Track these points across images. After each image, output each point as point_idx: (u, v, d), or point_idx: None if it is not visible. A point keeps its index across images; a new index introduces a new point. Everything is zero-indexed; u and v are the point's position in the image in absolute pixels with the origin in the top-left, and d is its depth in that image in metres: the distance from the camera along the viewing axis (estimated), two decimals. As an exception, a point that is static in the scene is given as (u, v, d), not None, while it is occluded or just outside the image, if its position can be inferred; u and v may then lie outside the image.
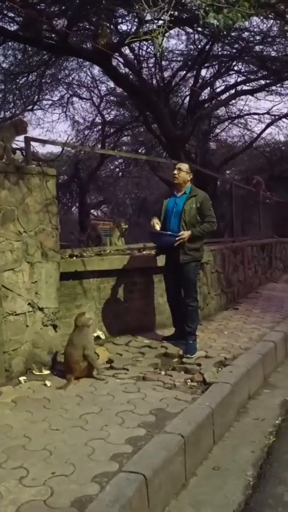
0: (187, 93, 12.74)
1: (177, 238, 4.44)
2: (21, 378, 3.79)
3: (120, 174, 21.06)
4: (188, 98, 13.19)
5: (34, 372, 3.95)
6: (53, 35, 7.39)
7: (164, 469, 2.52)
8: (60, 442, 2.77)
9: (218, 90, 12.36)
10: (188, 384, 3.80)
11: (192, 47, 10.74)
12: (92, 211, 24.32)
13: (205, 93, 12.52)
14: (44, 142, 5.29)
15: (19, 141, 4.41)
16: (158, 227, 4.60)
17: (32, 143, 4.57)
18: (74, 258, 4.98)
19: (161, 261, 5.18)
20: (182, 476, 2.71)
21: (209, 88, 12.38)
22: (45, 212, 4.18)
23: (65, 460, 2.56)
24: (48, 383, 3.72)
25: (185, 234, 4.47)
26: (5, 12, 6.66)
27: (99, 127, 17.14)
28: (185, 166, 4.65)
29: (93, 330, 4.26)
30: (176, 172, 4.64)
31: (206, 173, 9.17)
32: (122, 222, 8.59)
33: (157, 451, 2.62)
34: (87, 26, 7.26)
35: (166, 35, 5.31)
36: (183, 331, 4.61)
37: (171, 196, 4.73)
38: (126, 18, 7.60)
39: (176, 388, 3.66)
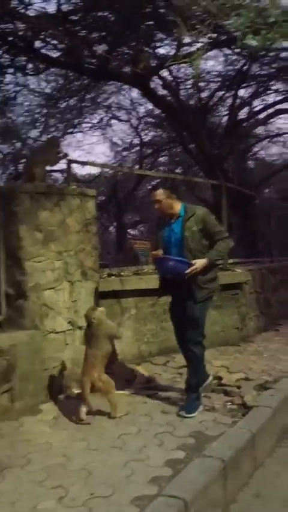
0: (225, 112, 12.81)
1: (191, 268, 3.47)
2: (61, 396, 3.82)
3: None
4: (225, 118, 13.27)
5: (74, 389, 3.98)
6: (93, 61, 7.64)
7: (204, 494, 2.47)
8: (99, 462, 2.77)
9: (256, 109, 12.37)
10: (227, 406, 3.73)
11: (230, 67, 10.83)
12: (129, 230, 24.64)
13: (243, 113, 12.56)
14: (84, 164, 5.47)
15: (61, 163, 4.55)
16: (159, 252, 3.75)
17: (72, 165, 4.71)
18: (112, 277, 5.03)
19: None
20: (221, 502, 2.64)
21: (247, 107, 12.40)
22: (85, 232, 4.27)
23: (104, 480, 2.55)
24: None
25: (200, 262, 3.50)
26: (48, 39, 6.95)
27: (137, 148, 17.44)
28: (159, 193, 3.69)
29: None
30: (156, 206, 3.76)
31: (244, 192, 9.12)
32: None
33: (197, 475, 2.57)
34: (126, 51, 7.47)
35: (204, 56, 5.41)
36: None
37: (166, 224, 3.79)
38: (165, 41, 7.76)
39: (215, 411, 3.60)
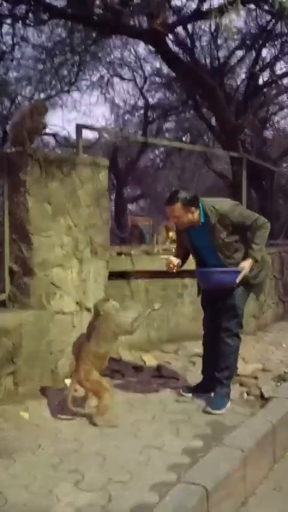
0: (244, 76, 12.83)
1: (241, 276, 3.56)
2: (67, 380, 4.02)
3: (160, 164, 21.25)
4: (242, 82, 13.24)
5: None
6: (103, 13, 7.65)
7: (225, 484, 2.69)
8: (114, 448, 2.99)
9: (279, 73, 12.39)
10: (245, 397, 3.96)
11: (252, 24, 10.83)
12: (128, 205, 24.67)
13: (264, 77, 12.59)
14: (96, 129, 5.52)
15: (54, 126, 4.58)
16: (175, 263, 3.78)
17: (67, 128, 4.82)
18: (122, 256, 5.20)
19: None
20: (241, 494, 2.86)
21: (268, 70, 12.41)
22: (96, 206, 4.43)
23: (120, 466, 2.77)
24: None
25: (247, 267, 3.58)
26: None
27: (141, 111, 17.41)
28: (177, 209, 3.56)
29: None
30: (172, 221, 3.77)
31: (264, 166, 9.24)
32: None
33: (217, 464, 2.79)
34: (142, 3, 7.48)
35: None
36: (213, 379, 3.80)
37: (188, 229, 3.75)
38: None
39: (232, 401, 3.81)
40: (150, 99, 16.81)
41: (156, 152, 21.19)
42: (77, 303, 4.27)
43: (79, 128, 4.72)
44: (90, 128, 5.26)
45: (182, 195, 3.59)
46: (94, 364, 3.43)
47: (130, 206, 26.11)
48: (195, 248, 3.80)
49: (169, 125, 19.22)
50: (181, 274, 5.47)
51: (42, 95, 14.77)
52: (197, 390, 3.96)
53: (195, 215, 3.61)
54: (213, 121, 13.23)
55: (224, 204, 3.69)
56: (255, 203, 9.42)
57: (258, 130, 13.12)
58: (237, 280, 3.58)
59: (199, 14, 6.65)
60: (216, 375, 3.75)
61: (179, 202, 3.56)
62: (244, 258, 3.63)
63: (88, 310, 4.36)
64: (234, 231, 3.62)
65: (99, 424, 3.31)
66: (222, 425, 3.34)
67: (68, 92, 15.47)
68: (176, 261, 3.80)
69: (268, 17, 9.97)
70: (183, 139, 17.78)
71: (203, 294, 3.98)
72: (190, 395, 3.92)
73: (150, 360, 4.81)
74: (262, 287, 3.93)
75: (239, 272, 3.57)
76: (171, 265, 3.80)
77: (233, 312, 3.73)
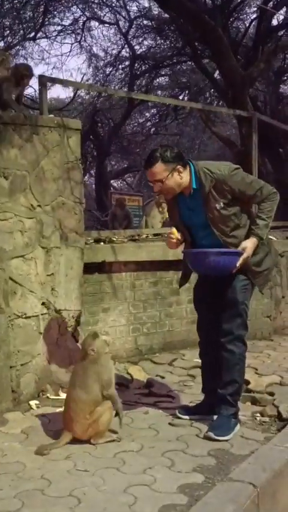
0: (254, 16, 12.78)
1: (242, 259, 3.50)
2: (33, 402, 3.96)
3: (152, 130, 21.20)
4: (251, 23, 13.17)
5: (49, 395, 4.13)
6: None
7: (232, 529, 2.64)
8: (91, 486, 2.92)
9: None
10: (258, 419, 3.92)
11: None
12: (112, 181, 24.67)
13: (279, 17, 12.52)
14: (65, 83, 5.45)
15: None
16: (179, 236, 3.67)
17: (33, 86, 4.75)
18: (102, 243, 5.13)
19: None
20: (253, 540, 2.82)
21: (284, 8, 12.36)
22: (65, 180, 4.36)
23: (99, 510, 2.71)
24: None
25: (249, 247, 3.52)
26: None
27: (127, 63, 17.30)
28: (159, 169, 3.50)
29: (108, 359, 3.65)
30: (156, 187, 3.61)
31: (278, 128, 9.20)
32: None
33: (222, 504, 2.73)
34: None
35: None
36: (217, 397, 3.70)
37: (177, 200, 3.71)
38: None
39: (242, 424, 3.76)
40: (137, 48, 16.73)
41: (147, 115, 21.17)
42: (44, 303, 4.20)
43: (43, 80, 4.64)
44: (59, 81, 5.14)
45: (162, 150, 3.53)
46: (87, 411, 3.42)
47: (114, 182, 26.19)
48: (187, 225, 3.72)
49: (162, 80, 19.17)
50: (177, 266, 5.46)
51: (1, 44, 14.62)
52: (197, 411, 3.88)
53: (183, 176, 3.54)
54: (216, 74, 13.19)
55: (221, 166, 3.58)
56: (269, 175, 9.39)
57: (272, 83, 13.08)
58: (238, 264, 3.49)
59: None
60: (220, 392, 3.65)
61: (160, 160, 3.50)
62: (247, 237, 3.57)
63: (58, 312, 4.30)
64: (234, 202, 3.55)
65: (100, 442, 3.44)
66: (229, 455, 3.29)
67: (34, 39, 15.34)
68: (178, 233, 3.66)
69: None
70: (181, 97, 17.72)
71: (198, 287, 3.90)
72: (188, 417, 3.86)
73: (138, 374, 4.76)
74: (267, 278, 3.79)
75: (240, 254, 3.50)
76: (174, 239, 3.66)
77: (235, 310, 3.62)
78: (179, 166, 3.51)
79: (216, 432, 3.52)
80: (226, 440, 3.49)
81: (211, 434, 3.51)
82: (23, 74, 4.26)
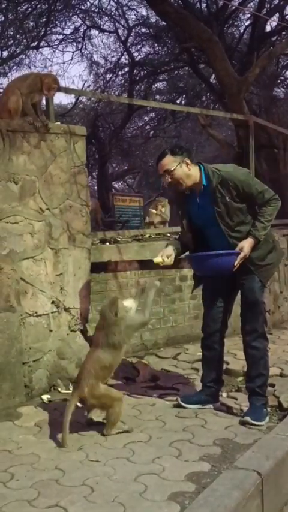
0: (248, 22, 12.77)
1: (240, 258, 3.62)
2: (45, 397, 3.99)
3: (151, 133, 21.18)
4: (246, 30, 13.15)
5: (60, 389, 4.15)
6: None
7: (238, 514, 2.66)
8: (103, 476, 2.95)
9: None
10: (260, 409, 3.93)
11: None
12: (113, 183, 24.64)
13: (272, 22, 12.50)
14: (69, 92, 5.46)
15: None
16: (168, 260, 3.84)
17: None
18: (107, 244, 5.16)
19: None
20: (258, 525, 2.84)
21: (277, 15, 12.35)
22: (72, 184, 4.38)
23: (111, 498, 2.73)
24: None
25: (246, 247, 3.62)
26: None
27: (126, 69, 17.28)
28: (168, 160, 3.70)
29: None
30: (166, 178, 3.75)
31: (273, 130, 9.20)
32: (161, 202, 8.74)
33: (228, 491, 2.75)
34: None
35: None
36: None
37: (187, 200, 3.86)
38: None
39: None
40: (135, 55, 16.71)
41: (146, 118, 21.15)
42: (54, 302, 4.23)
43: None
44: (63, 89, 5.15)
45: (171, 147, 3.85)
46: (100, 376, 3.46)
47: (116, 184, 26.17)
48: (199, 225, 3.84)
49: (160, 84, 19.15)
50: (180, 264, 5.48)
51: (5, 53, 14.61)
52: (193, 401, 3.98)
53: (191, 169, 3.71)
54: (212, 78, 13.18)
55: (227, 166, 3.81)
56: (266, 176, 9.38)
57: (266, 87, 13.07)
58: (236, 263, 3.61)
59: None
60: (249, 386, 3.82)
61: (169, 153, 3.73)
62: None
63: (67, 310, 4.32)
64: (239, 199, 3.66)
65: (112, 433, 3.45)
66: (234, 444, 3.31)
67: (36, 48, 15.33)
68: (169, 251, 3.85)
69: None
70: (178, 102, 17.71)
71: (209, 284, 3.96)
72: (194, 407, 3.91)
73: (144, 368, 4.76)
74: (270, 272, 3.88)
75: (237, 254, 3.61)
76: (162, 260, 3.84)
77: (257, 309, 3.76)
78: (186, 159, 3.70)
79: (252, 417, 3.63)
80: (261, 425, 3.60)
81: (248, 419, 3.62)
82: (50, 86, 4.23)
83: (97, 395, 3.44)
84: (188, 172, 3.70)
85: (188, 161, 3.70)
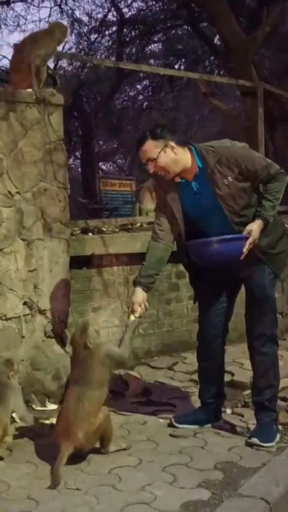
0: None
1: (248, 243, 3.56)
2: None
3: (145, 104, 21.16)
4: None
5: (34, 406, 4.15)
6: None
7: None
8: (83, 506, 2.95)
9: None
10: (269, 427, 3.95)
11: None
12: (100, 164, 24.64)
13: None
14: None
15: None
16: (143, 307, 3.85)
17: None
18: (90, 234, 5.15)
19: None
20: None
21: None
22: (47, 163, 4.37)
23: (93, 533, 2.75)
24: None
25: (255, 230, 3.57)
26: None
27: (114, 28, 17.26)
28: (149, 146, 3.65)
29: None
30: (150, 167, 3.69)
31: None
32: None
33: (230, 523, 2.78)
34: None
35: None
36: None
37: (178, 189, 3.77)
38: None
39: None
40: (125, 11, 16.69)
41: (138, 87, 21.12)
42: (26, 303, 4.23)
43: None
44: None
45: (150, 129, 3.76)
46: (91, 414, 3.43)
47: (103, 165, 26.14)
48: (194, 217, 3.75)
49: (154, 47, 19.10)
50: (177, 258, 5.47)
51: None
52: (190, 420, 3.96)
53: (178, 153, 3.64)
54: (216, 39, 13.17)
55: (222, 141, 3.78)
56: (278, 153, 9.41)
57: (280, 50, 13.06)
58: (245, 250, 3.55)
59: None
60: (256, 400, 3.79)
61: (149, 137, 3.67)
62: (254, 219, 3.63)
63: (42, 313, 4.32)
64: (242, 178, 3.62)
65: (112, 450, 3.53)
66: (238, 468, 3.32)
67: (7, 3, 15.28)
68: (139, 297, 3.82)
69: None
70: (176, 67, 17.68)
71: (206, 280, 3.90)
72: (182, 427, 3.91)
73: (134, 381, 4.78)
74: (285, 261, 3.85)
75: (245, 238, 3.56)
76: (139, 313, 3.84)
77: (266, 307, 3.71)
78: (170, 142, 3.64)
79: (260, 438, 3.60)
80: (272, 447, 3.57)
81: (255, 440, 3.59)
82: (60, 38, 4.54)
83: (93, 434, 3.43)
84: (174, 157, 3.64)
85: (173, 144, 3.65)
